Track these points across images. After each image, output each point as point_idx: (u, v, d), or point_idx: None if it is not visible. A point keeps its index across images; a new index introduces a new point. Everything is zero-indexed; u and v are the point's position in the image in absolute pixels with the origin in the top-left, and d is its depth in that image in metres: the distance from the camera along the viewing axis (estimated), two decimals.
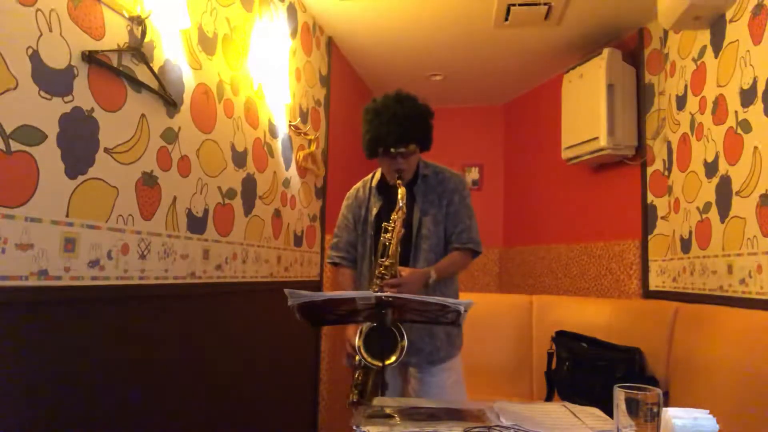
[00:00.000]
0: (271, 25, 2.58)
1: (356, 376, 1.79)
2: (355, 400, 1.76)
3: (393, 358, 1.49)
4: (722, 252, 2.22)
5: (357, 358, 1.71)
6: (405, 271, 1.80)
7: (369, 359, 1.53)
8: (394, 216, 1.81)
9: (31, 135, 1.31)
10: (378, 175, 2.04)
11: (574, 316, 2.81)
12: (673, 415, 1.10)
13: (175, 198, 1.86)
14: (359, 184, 2.11)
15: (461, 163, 4.74)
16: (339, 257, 2.06)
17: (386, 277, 1.77)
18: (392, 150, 1.84)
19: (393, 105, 1.84)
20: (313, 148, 3.02)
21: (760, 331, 1.78)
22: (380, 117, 1.83)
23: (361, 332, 1.57)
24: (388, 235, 1.80)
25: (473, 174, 4.77)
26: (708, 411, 1.12)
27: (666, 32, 2.82)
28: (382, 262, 1.79)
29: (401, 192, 1.82)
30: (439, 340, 1.92)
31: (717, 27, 2.27)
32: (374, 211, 1.98)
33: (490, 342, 3.00)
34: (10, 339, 1.27)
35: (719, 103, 2.24)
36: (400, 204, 1.81)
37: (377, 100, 1.88)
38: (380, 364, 1.46)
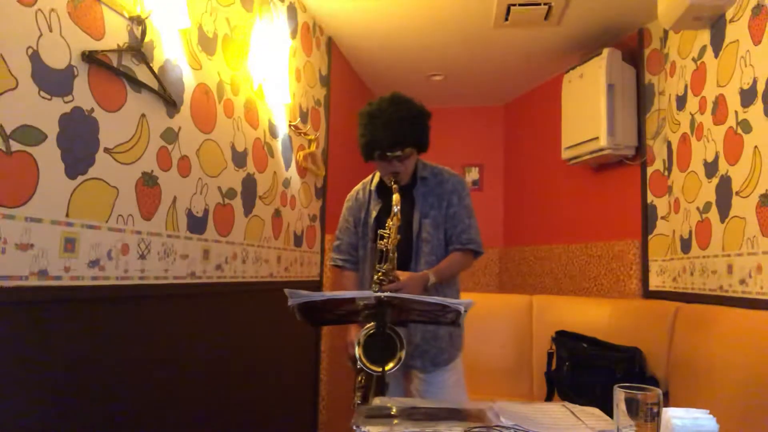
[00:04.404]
0: (271, 25, 2.58)
1: (359, 379, 1.78)
2: (359, 402, 1.75)
3: (390, 365, 1.45)
4: (722, 252, 2.22)
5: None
6: (403, 276, 1.79)
7: (370, 366, 1.51)
8: (389, 223, 1.80)
9: (31, 135, 1.31)
10: (377, 177, 2.03)
11: (574, 316, 2.81)
12: (673, 415, 1.09)
13: (175, 198, 1.86)
14: (359, 186, 2.11)
15: (461, 163, 4.74)
16: (342, 260, 2.06)
17: (384, 282, 1.75)
18: (388, 154, 1.83)
19: (387, 108, 1.82)
20: (313, 148, 3.02)
21: (760, 331, 1.78)
22: (375, 121, 1.82)
23: (359, 342, 1.51)
24: (384, 241, 1.78)
25: (473, 174, 4.77)
26: (708, 411, 1.12)
27: (666, 32, 2.82)
28: (380, 267, 1.77)
29: (395, 198, 1.81)
30: (444, 341, 1.91)
31: (717, 27, 2.27)
32: (374, 213, 1.97)
33: (490, 342, 3.00)
34: (10, 339, 1.27)
35: (719, 103, 2.24)
36: (395, 210, 1.79)
37: (372, 104, 1.87)
38: (380, 370, 1.45)
